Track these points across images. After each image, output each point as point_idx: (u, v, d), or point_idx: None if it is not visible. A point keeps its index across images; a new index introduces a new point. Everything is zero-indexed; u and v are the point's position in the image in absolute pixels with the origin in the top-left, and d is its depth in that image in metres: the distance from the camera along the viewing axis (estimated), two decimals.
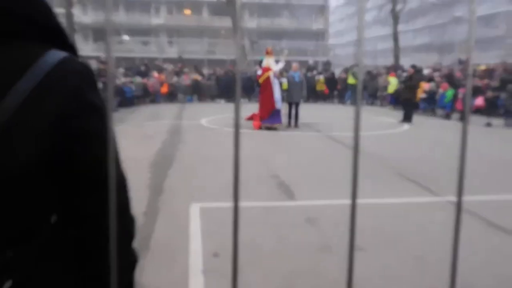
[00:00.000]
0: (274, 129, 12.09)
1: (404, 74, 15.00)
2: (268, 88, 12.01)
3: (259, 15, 42.40)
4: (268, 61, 12.19)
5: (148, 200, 5.52)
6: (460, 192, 0.75)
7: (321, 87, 23.61)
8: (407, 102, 14.78)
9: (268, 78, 12.05)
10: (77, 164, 0.90)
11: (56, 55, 0.90)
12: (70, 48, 0.96)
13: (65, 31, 0.97)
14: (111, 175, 0.66)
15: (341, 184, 6.40)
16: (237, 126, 0.67)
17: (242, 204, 5.17)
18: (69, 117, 0.88)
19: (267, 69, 12.20)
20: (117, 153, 0.93)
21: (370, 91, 22.65)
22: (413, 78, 14.81)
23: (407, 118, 14.56)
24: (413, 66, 15.37)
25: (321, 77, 23.56)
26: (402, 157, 8.64)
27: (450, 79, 18.47)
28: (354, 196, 0.69)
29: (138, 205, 5.25)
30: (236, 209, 0.67)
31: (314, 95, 23.59)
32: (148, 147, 9.30)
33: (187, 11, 42.73)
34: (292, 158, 8.50)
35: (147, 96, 22.17)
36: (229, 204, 5.34)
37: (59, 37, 0.95)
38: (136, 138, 10.54)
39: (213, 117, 15.30)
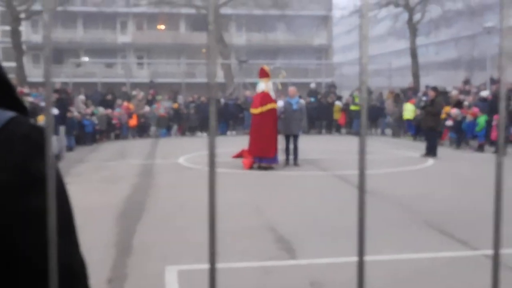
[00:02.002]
0: (270, 168, 12.11)
1: (424, 98, 15.22)
2: (270, 122, 12.05)
3: (248, 29, 43.19)
4: (266, 85, 12.28)
5: (114, 262, 5.46)
6: (497, 243, 0.75)
7: (337, 115, 23.89)
8: (429, 132, 14.93)
9: (272, 110, 12.13)
10: (16, 251, 0.90)
11: (1, 116, 0.91)
12: (15, 101, 0.97)
13: (10, 82, 0.99)
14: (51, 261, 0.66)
15: (353, 237, 6.37)
16: (212, 167, 0.69)
17: (232, 265, 5.13)
18: (10, 194, 0.88)
19: (267, 96, 12.24)
20: (70, 232, 0.94)
21: (391, 116, 22.94)
22: (435, 103, 15.01)
23: (431, 151, 14.65)
24: (435, 88, 15.62)
25: (338, 103, 23.89)
26: (428, 201, 8.66)
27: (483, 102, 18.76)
28: (361, 252, 0.70)
29: (101, 269, 5.20)
30: (212, 273, 0.68)
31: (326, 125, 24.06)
32: (112, 194, 9.26)
33: (161, 26, 43.47)
34: (292, 205, 8.48)
35: (112, 130, 22.25)
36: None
37: (2, 90, 0.97)
38: (97, 182, 10.51)
39: (193, 155, 15.34)
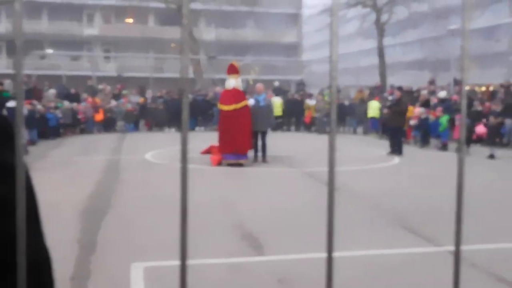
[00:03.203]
0: (239, 165, 12.05)
1: (390, 98, 15.36)
2: (245, 119, 12.00)
3: (218, 25, 43.00)
4: (236, 82, 12.21)
5: (77, 260, 5.32)
6: (458, 241, 0.73)
7: (313, 113, 23.83)
8: (395, 131, 15.07)
9: (246, 107, 12.08)
10: None
11: None
12: None
13: None
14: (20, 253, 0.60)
15: (321, 233, 6.38)
16: (184, 163, 0.63)
17: (200, 261, 5.06)
18: None
19: (240, 93, 12.17)
20: (36, 222, 0.92)
21: (358, 116, 23.00)
22: (401, 102, 15.22)
23: (396, 150, 14.83)
24: (400, 88, 15.85)
25: (309, 101, 23.80)
26: (395, 198, 8.74)
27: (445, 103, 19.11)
28: (330, 248, 0.66)
29: (64, 267, 5.06)
30: (183, 270, 0.63)
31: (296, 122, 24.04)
32: (76, 190, 9.07)
33: (129, 20, 42.89)
34: (261, 201, 8.45)
35: (77, 124, 21.85)
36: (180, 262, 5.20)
37: None
38: (60, 178, 10.27)
39: (161, 150, 15.17)
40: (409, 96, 21.93)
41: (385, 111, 18.60)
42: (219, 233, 6.36)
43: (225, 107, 12.18)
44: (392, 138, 15.13)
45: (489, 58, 44.70)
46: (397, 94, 15.51)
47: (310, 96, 24.69)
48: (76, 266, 5.13)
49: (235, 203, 8.22)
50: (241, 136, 11.95)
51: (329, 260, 0.61)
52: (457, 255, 0.67)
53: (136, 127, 23.46)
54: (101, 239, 6.08)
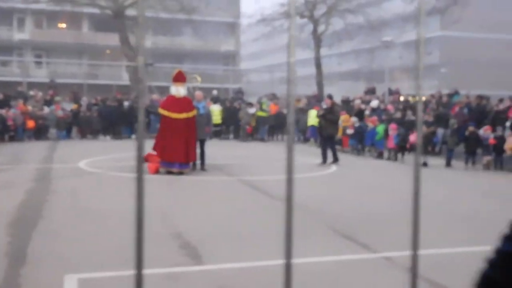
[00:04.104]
0: (179, 173, 11.89)
1: (325, 106, 15.33)
2: (191, 130, 11.91)
3: (155, 32, 42.51)
4: (181, 90, 12.06)
5: (5, 273, 5.06)
6: (415, 246, 0.72)
7: (253, 122, 23.71)
8: (330, 139, 15.09)
9: (193, 118, 11.98)
10: None
11: None
12: None
13: None
14: None
15: (259, 241, 6.38)
16: (140, 172, 0.59)
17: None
18: None
19: (190, 102, 12.07)
20: None
21: (300, 126, 22.92)
22: (334, 111, 15.29)
23: (332, 158, 14.85)
24: (330, 97, 15.99)
25: (252, 110, 23.67)
26: (331, 206, 8.87)
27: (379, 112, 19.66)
28: (288, 255, 0.63)
29: None
30: (139, 278, 0.58)
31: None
32: (5, 200, 8.66)
33: (62, 25, 41.71)
34: (199, 210, 8.36)
35: (6, 132, 20.96)
36: (117, 273, 5.06)
37: None
38: None
39: (95, 159, 14.76)
40: (347, 105, 22.44)
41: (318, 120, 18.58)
42: (156, 243, 6.22)
43: (175, 115, 11.89)
44: (324, 147, 15.01)
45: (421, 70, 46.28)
46: (328, 102, 15.51)
47: (249, 105, 24.70)
48: (4, 280, 4.88)
49: (173, 212, 8.10)
50: (191, 146, 11.91)
51: (288, 267, 0.58)
52: (414, 260, 0.66)
53: (68, 135, 22.76)
54: (32, 251, 5.82)
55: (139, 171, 0.51)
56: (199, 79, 13.57)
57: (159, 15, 35.67)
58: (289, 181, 0.54)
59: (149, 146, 13.30)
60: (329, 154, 14.95)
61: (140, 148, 0.52)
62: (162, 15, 35.76)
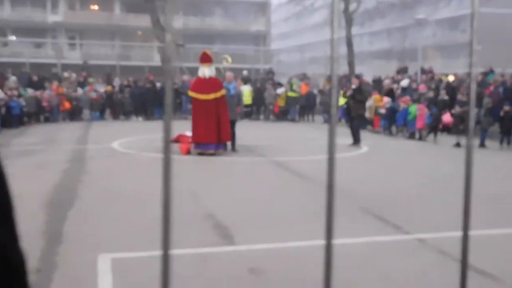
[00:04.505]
0: (210, 154, 11.91)
1: (353, 86, 15.04)
2: (225, 108, 11.90)
3: (186, 13, 42.53)
4: (210, 70, 12.01)
5: (42, 252, 5.18)
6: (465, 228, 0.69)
7: (281, 102, 23.61)
8: (359, 119, 14.87)
9: (224, 97, 11.94)
10: None
11: None
12: None
13: None
14: None
15: (291, 222, 6.38)
16: (167, 151, 0.58)
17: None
18: None
19: (218, 82, 12.01)
20: (8, 222, 0.84)
21: (327, 106, 22.85)
22: (363, 91, 15.05)
23: (357, 139, 14.54)
24: (357, 76, 15.75)
25: (280, 91, 23.57)
26: (363, 187, 8.80)
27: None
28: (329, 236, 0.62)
29: (28, 259, 4.92)
30: (166, 260, 0.58)
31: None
32: (41, 180, 8.85)
33: (94, 7, 42.06)
34: (230, 191, 8.40)
35: (42, 113, 21.38)
36: (149, 253, 5.13)
37: None
38: (24, 168, 10.01)
39: (127, 139, 14.95)
40: (377, 85, 22.13)
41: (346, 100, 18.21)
42: (188, 224, 6.28)
43: (203, 96, 11.83)
44: (353, 128, 14.78)
45: (455, 48, 45.47)
46: (356, 82, 15.29)
47: (278, 85, 24.57)
48: (41, 258, 5.00)
49: (204, 193, 8.15)
50: (223, 126, 11.85)
51: (328, 248, 0.57)
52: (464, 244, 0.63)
53: (102, 116, 23.07)
54: (68, 231, 5.94)
55: (166, 152, 0.50)
56: (229, 59, 13.49)
57: None
58: (331, 163, 0.54)
59: (179, 127, 13.40)
60: (361, 133, 14.77)
61: (167, 129, 0.51)
62: None
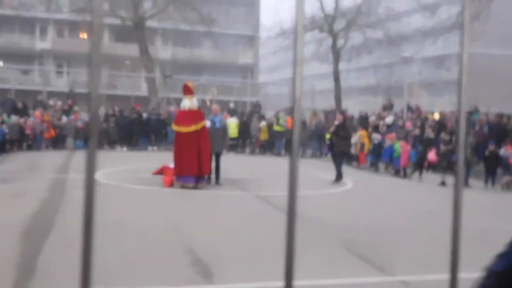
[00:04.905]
0: (194, 187, 11.79)
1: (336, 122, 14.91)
2: (206, 141, 11.83)
3: (174, 43, 42.83)
4: (191, 102, 12.03)
5: (14, 284, 5.00)
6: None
7: (264, 136, 23.62)
8: (341, 156, 14.73)
9: (205, 128, 11.90)
10: None
11: None
12: None
13: None
14: None
15: (273, 260, 6.25)
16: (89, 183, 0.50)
17: None
18: None
19: (199, 114, 12.00)
20: None
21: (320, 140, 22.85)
22: (346, 127, 14.93)
23: (338, 176, 14.34)
24: (342, 112, 15.74)
25: (261, 124, 23.62)
26: (347, 225, 8.71)
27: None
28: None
29: None
30: None
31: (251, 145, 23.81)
32: (18, 209, 8.65)
33: (83, 35, 42.19)
34: (212, 226, 8.27)
35: (25, 140, 21.15)
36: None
37: None
38: (2, 196, 9.81)
39: (111, 170, 14.75)
40: (363, 121, 22.25)
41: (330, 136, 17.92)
42: (167, 259, 6.13)
43: (183, 129, 11.81)
44: (336, 164, 14.57)
45: (440, 86, 46.13)
46: (340, 118, 15.11)
47: (261, 118, 24.60)
48: None
49: (186, 227, 8.01)
50: (204, 158, 11.76)
51: None
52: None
53: (86, 145, 22.82)
54: (42, 262, 5.76)
55: (88, 186, 0.45)
56: (215, 91, 13.55)
57: (179, 26, 36.01)
58: (292, 200, 0.48)
59: (165, 158, 13.30)
60: (345, 169, 14.72)
61: (91, 161, 0.47)
62: (182, 26, 36.09)
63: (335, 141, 14.72)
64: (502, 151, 15.31)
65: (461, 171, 0.49)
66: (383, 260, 6.44)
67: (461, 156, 0.51)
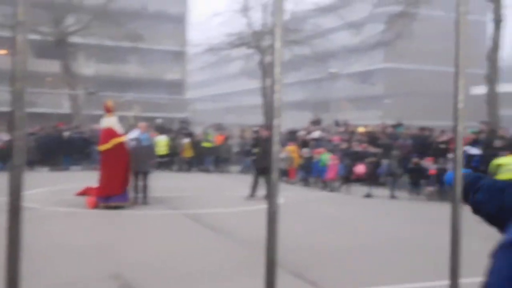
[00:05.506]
0: (121, 207, 11.50)
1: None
2: (121, 159, 11.58)
3: (98, 59, 41.93)
4: (109, 120, 11.85)
5: None
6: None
7: (188, 153, 23.36)
8: (263, 171, 13.94)
9: (121, 146, 11.65)
10: None
11: None
12: None
13: None
14: None
15: (204, 282, 6.15)
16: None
17: None
18: None
19: (111, 132, 11.81)
20: None
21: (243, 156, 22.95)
22: (268, 141, 14.90)
23: (251, 190, 14.00)
24: (267, 127, 15.84)
25: (186, 141, 23.38)
26: (279, 239, 8.72)
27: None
28: None
29: None
30: None
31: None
32: None
33: (3, 51, 40.51)
34: (140, 247, 8.05)
35: None
36: None
37: None
38: None
39: (31, 192, 14.13)
40: (292, 136, 22.57)
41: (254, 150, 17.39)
42: (93, 284, 5.90)
43: (101, 148, 11.93)
44: (256, 179, 14.17)
45: (365, 101, 47.71)
46: (264, 133, 15.09)
47: (187, 135, 24.44)
48: None
49: (113, 250, 7.75)
50: (115, 176, 11.50)
51: None
52: None
53: (4, 166, 21.82)
54: None
55: (13, 210, 0.40)
56: (137, 108, 13.41)
57: (103, 42, 35.32)
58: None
59: (89, 177, 12.88)
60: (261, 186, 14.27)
61: (16, 183, 0.42)
62: (106, 42, 35.43)
63: (259, 156, 14.64)
64: (424, 163, 15.94)
65: (457, 197, 0.48)
66: (315, 275, 6.48)
67: (458, 173, 0.49)
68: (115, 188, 11.49)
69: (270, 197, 0.69)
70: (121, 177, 11.60)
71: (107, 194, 11.46)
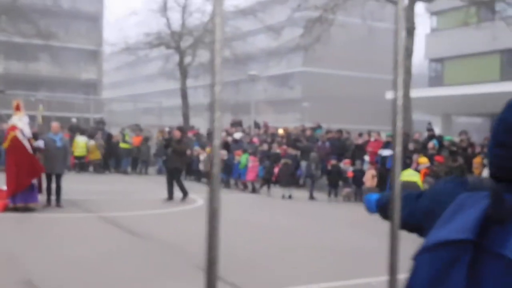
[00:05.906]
0: (30, 209, 10.96)
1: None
2: (18, 154, 10.98)
3: (7, 57, 39.94)
4: (17, 120, 11.34)
5: None
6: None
7: (96, 155, 22.53)
8: (175, 172, 14.24)
9: (15, 140, 11.04)
10: None
11: None
12: None
13: None
14: None
15: (123, 285, 5.97)
16: None
17: None
18: None
19: (12, 129, 11.33)
20: None
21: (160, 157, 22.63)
22: (182, 142, 14.66)
23: (182, 192, 13.99)
24: (180, 128, 15.73)
25: (92, 142, 22.55)
26: (197, 243, 8.62)
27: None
28: None
29: None
30: None
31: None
32: None
33: None
34: (53, 253, 7.68)
35: None
36: None
37: None
38: None
39: None
40: (210, 138, 22.50)
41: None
42: None
43: (3, 146, 11.79)
44: (170, 181, 14.08)
45: (284, 104, 48.49)
46: (177, 134, 14.89)
47: (106, 136, 23.72)
48: None
49: (23, 256, 7.34)
50: (19, 171, 10.89)
51: None
52: None
53: None
54: None
55: None
56: (40, 108, 13.11)
57: (12, 39, 33.60)
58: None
59: None
60: (177, 189, 14.24)
61: None
62: (15, 39, 33.75)
63: (170, 157, 14.46)
64: (342, 165, 16.37)
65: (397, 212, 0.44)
66: (235, 277, 6.45)
67: (397, 170, 0.46)
68: (20, 183, 10.90)
69: (212, 192, 0.65)
70: (24, 172, 10.97)
71: (13, 190, 10.87)
